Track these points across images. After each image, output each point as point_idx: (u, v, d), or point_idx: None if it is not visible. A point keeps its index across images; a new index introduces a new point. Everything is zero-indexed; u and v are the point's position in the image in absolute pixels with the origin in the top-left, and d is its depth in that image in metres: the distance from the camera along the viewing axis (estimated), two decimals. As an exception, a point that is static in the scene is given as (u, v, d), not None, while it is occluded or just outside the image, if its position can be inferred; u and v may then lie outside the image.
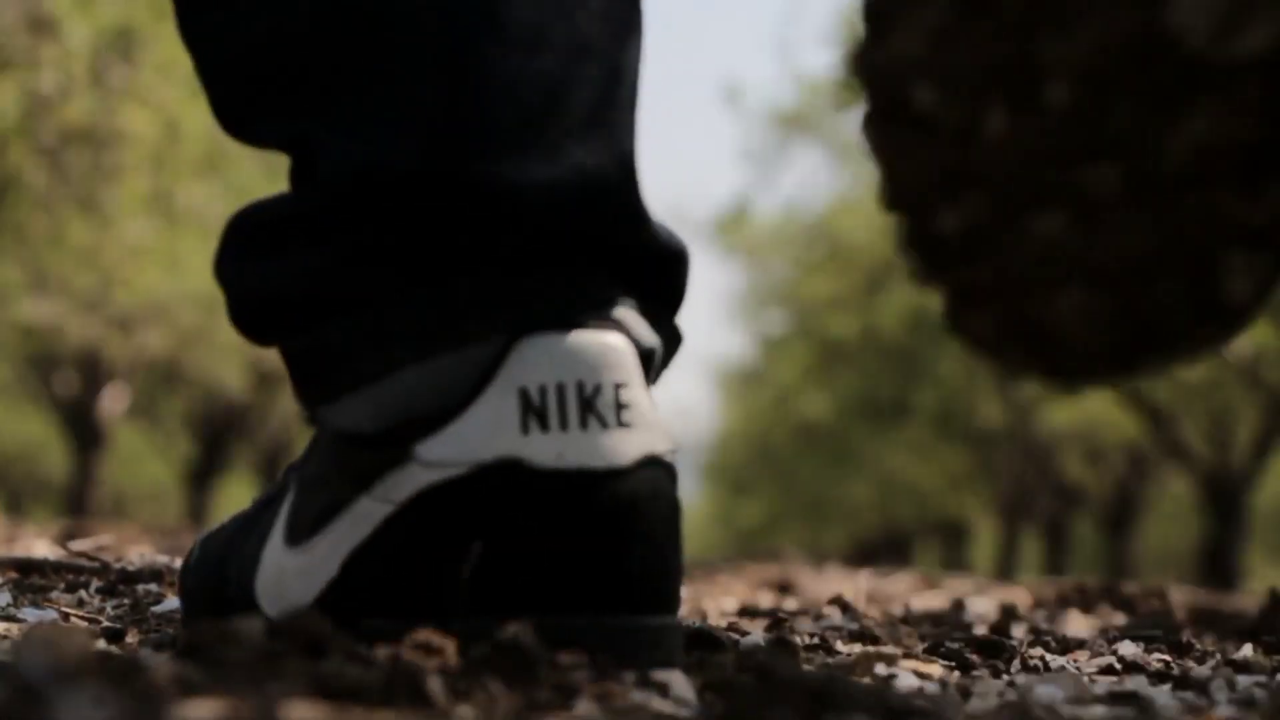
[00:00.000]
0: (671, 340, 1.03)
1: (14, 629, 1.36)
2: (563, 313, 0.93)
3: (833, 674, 0.96)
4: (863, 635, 1.66)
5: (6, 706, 0.64)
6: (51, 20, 5.83)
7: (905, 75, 0.76)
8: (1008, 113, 0.74)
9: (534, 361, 0.91)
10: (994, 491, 15.45)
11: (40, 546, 2.72)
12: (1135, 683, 1.32)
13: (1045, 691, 1.21)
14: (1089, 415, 11.25)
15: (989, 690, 1.22)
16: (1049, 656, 1.56)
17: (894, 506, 18.32)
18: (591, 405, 0.92)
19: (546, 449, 0.91)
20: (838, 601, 1.99)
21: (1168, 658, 1.59)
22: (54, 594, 1.66)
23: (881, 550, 19.76)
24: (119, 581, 1.73)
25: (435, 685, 0.86)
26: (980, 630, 2.07)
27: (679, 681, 0.92)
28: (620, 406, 0.93)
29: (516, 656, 0.94)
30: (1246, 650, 1.64)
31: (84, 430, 10.98)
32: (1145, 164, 0.73)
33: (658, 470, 0.94)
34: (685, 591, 2.76)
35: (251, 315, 1.01)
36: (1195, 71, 0.72)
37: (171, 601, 1.52)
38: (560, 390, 0.91)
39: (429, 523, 0.93)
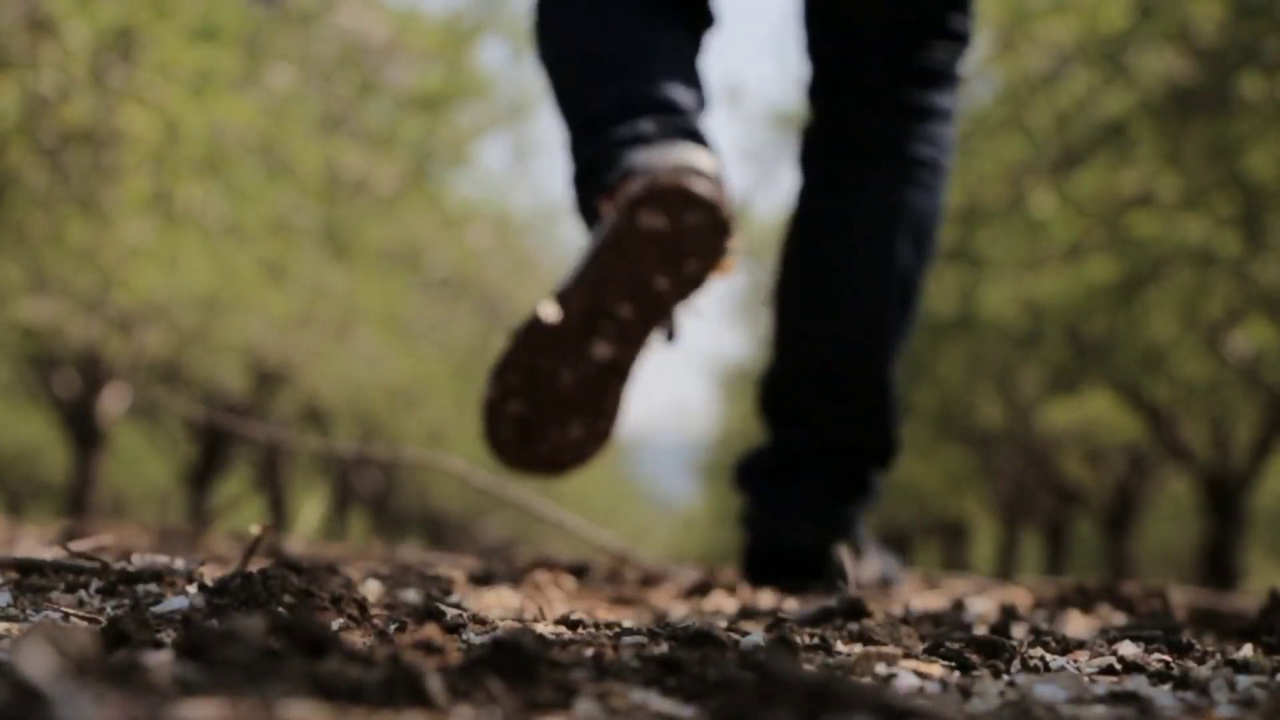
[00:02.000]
0: None
1: (14, 629, 1.36)
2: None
3: (833, 674, 0.96)
4: (863, 635, 1.66)
5: (6, 706, 0.64)
6: (51, 20, 5.82)
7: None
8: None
9: None
10: (994, 491, 15.44)
11: (40, 547, 2.72)
12: (1135, 683, 1.32)
13: (1045, 691, 1.21)
14: (1089, 415, 11.25)
15: (989, 690, 1.22)
16: (1049, 656, 1.56)
17: (894, 506, 18.30)
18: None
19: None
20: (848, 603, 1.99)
21: (1168, 658, 1.59)
22: (54, 594, 1.66)
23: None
24: (119, 581, 1.73)
25: (435, 685, 0.86)
26: (980, 630, 2.07)
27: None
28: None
29: (516, 656, 0.94)
30: (1246, 650, 1.64)
31: (84, 430, 10.97)
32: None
33: None
34: (688, 595, 2.75)
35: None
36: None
37: (171, 601, 1.52)
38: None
39: None
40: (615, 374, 2.16)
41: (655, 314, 2.11)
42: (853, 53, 2.46)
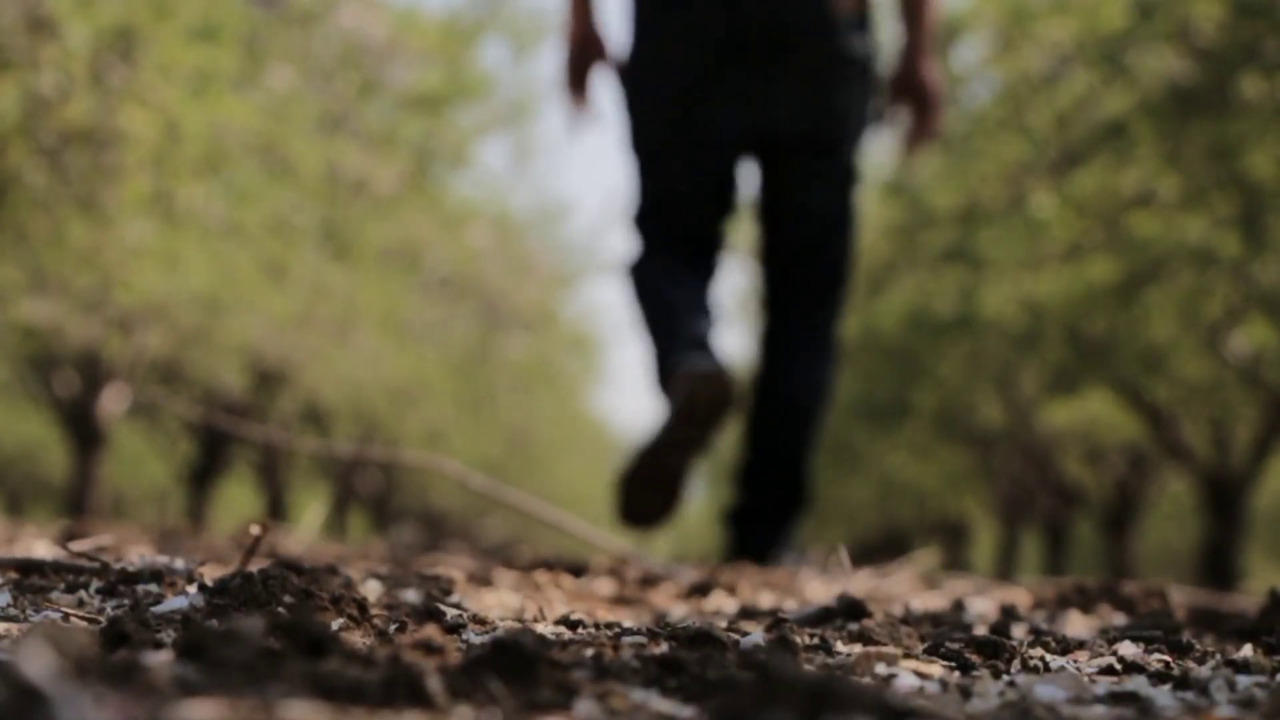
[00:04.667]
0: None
1: (14, 629, 1.36)
2: None
3: (832, 674, 0.96)
4: (863, 635, 1.66)
5: (6, 706, 0.64)
6: (51, 20, 5.82)
7: None
8: None
9: None
10: (994, 491, 15.44)
11: (40, 547, 2.72)
12: (1135, 683, 1.32)
13: (1045, 691, 1.21)
14: (1089, 415, 11.25)
15: (989, 690, 1.22)
16: (1049, 656, 1.56)
17: (894, 506, 18.30)
18: None
19: None
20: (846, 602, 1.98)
21: (1168, 658, 1.59)
22: (54, 594, 1.66)
23: (882, 550, 19.75)
24: (119, 582, 1.73)
25: (435, 685, 0.86)
26: (980, 630, 2.07)
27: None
28: None
29: (516, 656, 0.94)
30: (1246, 650, 1.65)
31: (84, 430, 10.97)
32: None
33: None
34: (688, 595, 2.74)
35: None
36: None
37: (171, 601, 1.52)
38: None
39: None
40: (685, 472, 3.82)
41: (703, 439, 3.67)
42: (772, 301, 4.07)
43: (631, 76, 3.81)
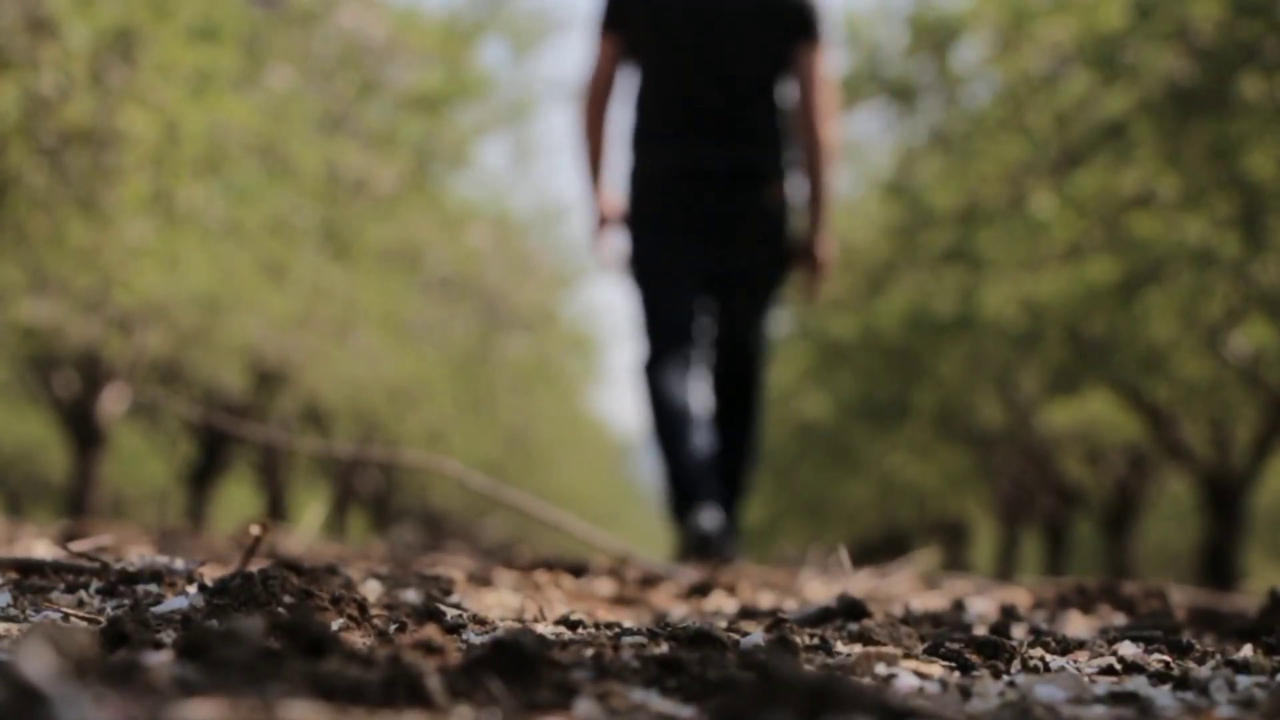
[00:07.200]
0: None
1: (14, 629, 1.36)
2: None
3: (832, 674, 0.96)
4: (863, 635, 1.66)
5: (6, 706, 0.64)
6: (51, 20, 5.82)
7: None
8: None
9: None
10: (994, 491, 15.44)
11: (40, 547, 2.72)
12: (1135, 683, 1.32)
13: (1045, 691, 1.21)
14: (1089, 415, 11.24)
15: (989, 690, 1.23)
16: (1049, 656, 1.56)
17: (894, 506, 18.30)
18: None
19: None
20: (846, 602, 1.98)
21: (1168, 658, 1.59)
22: (54, 594, 1.66)
23: (882, 550, 19.75)
24: (119, 582, 1.73)
25: (435, 685, 0.86)
26: (980, 630, 2.07)
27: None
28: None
29: (516, 656, 0.94)
30: (1246, 650, 1.65)
31: (84, 430, 10.97)
32: None
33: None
34: (688, 595, 2.75)
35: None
36: None
37: (171, 601, 1.52)
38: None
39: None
40: None
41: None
42: (715, 356, 5.31)
43: (633, 237, 5.25)
